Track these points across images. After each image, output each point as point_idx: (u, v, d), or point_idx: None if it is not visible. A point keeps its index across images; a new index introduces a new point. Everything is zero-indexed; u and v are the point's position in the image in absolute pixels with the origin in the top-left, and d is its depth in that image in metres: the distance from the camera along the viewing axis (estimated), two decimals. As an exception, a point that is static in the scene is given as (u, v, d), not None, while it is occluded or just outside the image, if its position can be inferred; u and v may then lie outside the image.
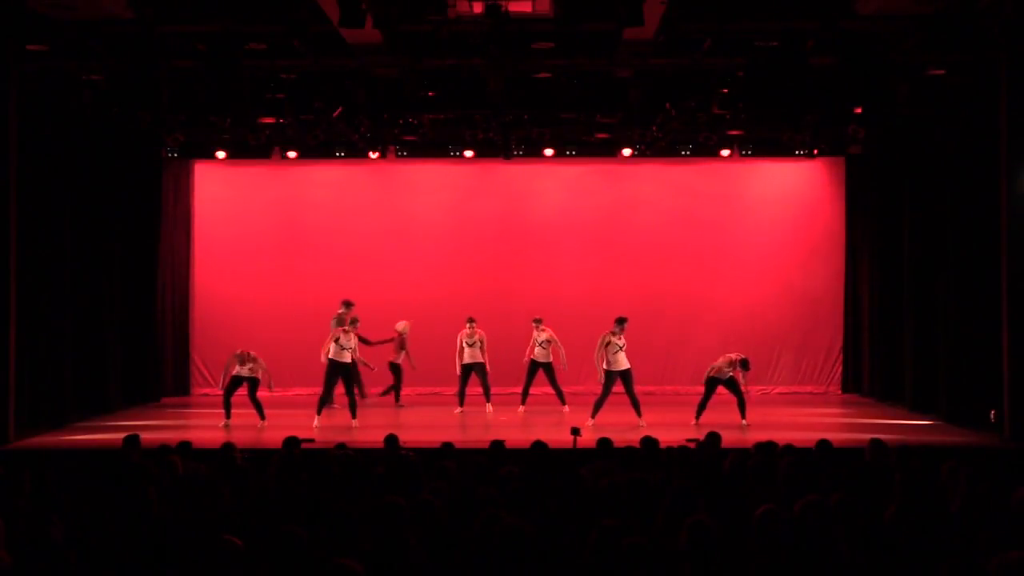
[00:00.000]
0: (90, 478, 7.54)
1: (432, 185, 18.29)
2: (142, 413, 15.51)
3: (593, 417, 13.68)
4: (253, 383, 13.97)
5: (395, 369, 16.11)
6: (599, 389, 14.15)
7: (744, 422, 13.58)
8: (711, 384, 14.01)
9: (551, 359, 15.23)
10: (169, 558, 5.21)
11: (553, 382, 15.24)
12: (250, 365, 13.93)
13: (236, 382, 14.01)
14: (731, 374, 13.94)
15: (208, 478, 7.42)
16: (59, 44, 12.08)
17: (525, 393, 15.27)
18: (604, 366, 13.87)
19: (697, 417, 13.78)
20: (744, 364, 13.93)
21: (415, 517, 5.46)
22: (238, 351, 14.05)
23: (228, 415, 13.87)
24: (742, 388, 13.94)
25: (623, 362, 13.85)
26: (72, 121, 14.38)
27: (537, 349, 15.24)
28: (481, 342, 15.18)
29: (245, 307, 17.55)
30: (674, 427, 13.01)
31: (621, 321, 13.93)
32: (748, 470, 7.62)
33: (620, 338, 13.87)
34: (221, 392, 14.12)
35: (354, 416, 13.78)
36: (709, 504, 5.85)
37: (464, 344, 15.24)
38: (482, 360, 15.16)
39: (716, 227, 18.14)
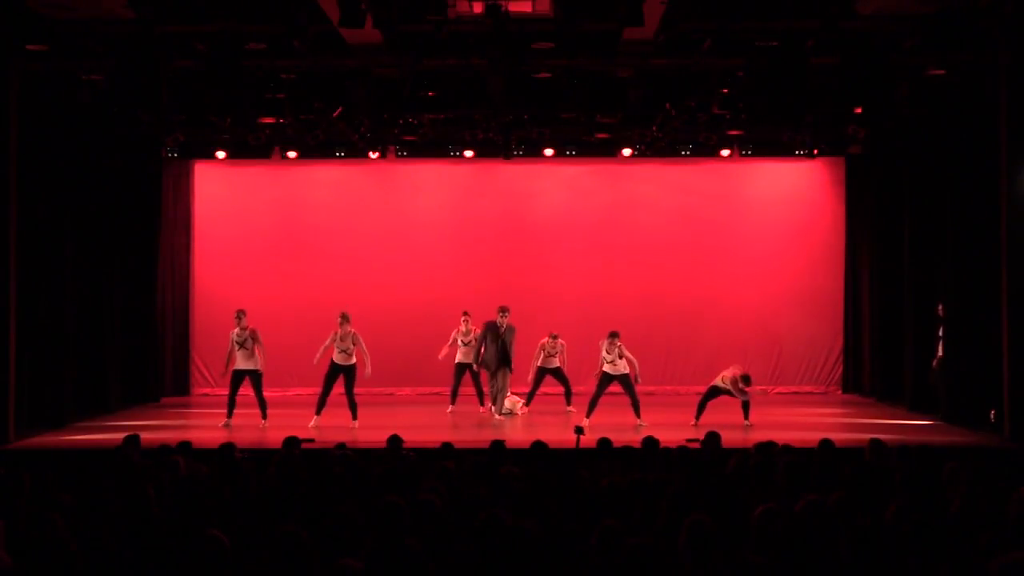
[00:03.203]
0: (90, 478, 7.53)
1: (432, 185, 18.30)
2: (142, 413, 15.51)
3: (588, 416, 13.74)
4: (256, 377, 13.93)
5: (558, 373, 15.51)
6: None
7: (747, 422, 13.58)
8: (713, 392, 14.05)
9: (557, 364, 15.29)
10: (169, 558, 5.21)
11: (564, 382, 15.31)
12: (248, 341, 13.88)
13: (238, 377, 13.98)
14: (732, 389, 13.98)
15: (208, 478, 7.43)
16: (59, 44, 12.08)
17: (531, 396, 15.33)
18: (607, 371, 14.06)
19: (697, 417, 13.78)
20: (746, 380, 13.94)
21: (415, 517, 5.47)
22: (236, 329, 13.98)
23: (230, 414, 13.85)
24: (748, 395, 13.96)
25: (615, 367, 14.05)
26: (72, 121, 14.37)
27: (546, 359, 15.24)
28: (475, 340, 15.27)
29: (245, 307, 17.48)
30: (674, 427, 13.02)
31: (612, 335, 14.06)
32: (748, 470, 7.62)
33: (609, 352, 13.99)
34: (226, 386, 14.08)
35: (354, 417, 13.78)
36: (709, 504, 5.84)
37: (459, 342, 15.34)
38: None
39: (716, 227, 18.14)
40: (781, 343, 17.99)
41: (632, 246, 18.09)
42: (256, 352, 13.98)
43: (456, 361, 15.42)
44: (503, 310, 14.92)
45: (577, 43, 12.20)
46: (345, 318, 14.02)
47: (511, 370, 14.93)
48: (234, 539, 4.84)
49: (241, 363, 13.94)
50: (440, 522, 5.63)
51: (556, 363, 15.27)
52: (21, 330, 12.70)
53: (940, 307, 14.54)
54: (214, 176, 18.24)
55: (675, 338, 17.71)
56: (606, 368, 14.04)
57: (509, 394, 15.12)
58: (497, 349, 14.81)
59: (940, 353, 14.49)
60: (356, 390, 14.09)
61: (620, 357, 14.01)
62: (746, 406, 13.78)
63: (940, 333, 14.57)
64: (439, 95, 13.61)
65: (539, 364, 15.26)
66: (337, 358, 13.97)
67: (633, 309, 17.39)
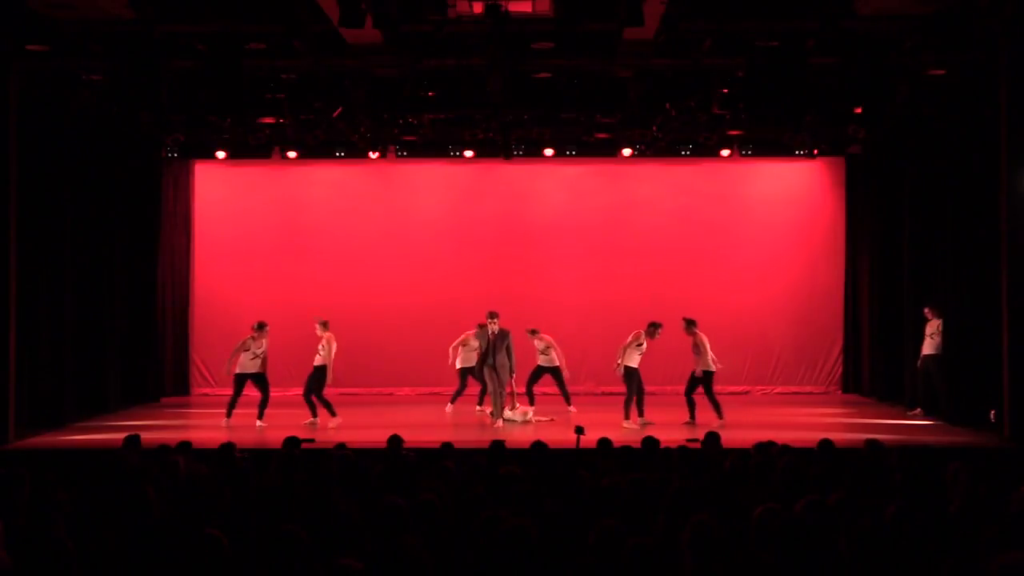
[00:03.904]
0: (90, 478, 7.53)
1: (432, 185, 18.30)
2: (142, 413, 15.50)
3: (627, 418, 13.65)
4: (261, 380, 13.98)
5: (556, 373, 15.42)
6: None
7: (721, 422, 13.48)
8: (694, 380, 13.99)
9: (555, 363, 15.20)
10: (169, 558, 5.21)
11: (560, 384, 15.20)
12: (256, 349, 13.93)
13: (244, 380, 14.02)
14: (708, 366, 13.85)
15: (208, 478, 7.42)
16: (59, 44, 12.08)
17: (529, 394, 15.27)
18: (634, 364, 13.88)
19: (692, 415, 13.70)
20: (689, 324, 14.00)
21: (415, 517, 5.46)
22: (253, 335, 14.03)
23: (229, 414, 13.87)
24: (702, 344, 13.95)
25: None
26: (72, 121, 14.37)
27: (540, 356, 15.22)
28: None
29: (245, 307, 17.53)
30: (674, 427, 13.02)
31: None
32: (748, 470, 7.62)
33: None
34: (230, 382, 14.13)
35: (333, 414, 13.83)
36: (709, 504, 5.84)
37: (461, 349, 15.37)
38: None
39: (716, 227, 18.14)
40: (781, 343, 18.00)
41: (632, 246, 18.09)
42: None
43: (459, 366, 15.43)
44: (491, 316, 14.22)
45: (577, 43, 12.20)
46: (324, 324, 14.23)
47: (512, 375, 14.32)
48: (234, 539, 4.84)
49: (249, 367, 13.99)
50: (440, 522, 5.63)
51: (548, 361, 15.11)
52: (21, 330, 12.70)
53: (926, 309, 14.63)
54: (214, 176, 18.24)
55: (675, 338, 17.66)
56: (631, 363, 13.90)
57: (517, 405, 14.61)
58: (489, 356, 14.13)
59: (928, 352, 14.54)
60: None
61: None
62: (716, 406, 13.72)
63: (926, 332, 14.64)
64: (439, 95, 13.62)
65: (538, 363, 15.24)
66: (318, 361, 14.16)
67: (632, 309, 17.34)
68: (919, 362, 14.66)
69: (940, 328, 14.39)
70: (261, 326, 14.10)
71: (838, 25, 11.23)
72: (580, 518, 5.86)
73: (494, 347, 14.15)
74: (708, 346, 14.05)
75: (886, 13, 11.10)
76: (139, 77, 11.64)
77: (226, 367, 14.18)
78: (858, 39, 11.52)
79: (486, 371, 14.25)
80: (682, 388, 14.45)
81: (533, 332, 15.28)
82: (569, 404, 15.10)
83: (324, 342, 14.09)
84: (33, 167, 13.21)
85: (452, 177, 18.22)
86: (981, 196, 13.11)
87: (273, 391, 14.44)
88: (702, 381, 14.00)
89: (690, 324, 14.11)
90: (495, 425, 13.80)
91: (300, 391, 14.58)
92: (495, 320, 14.27)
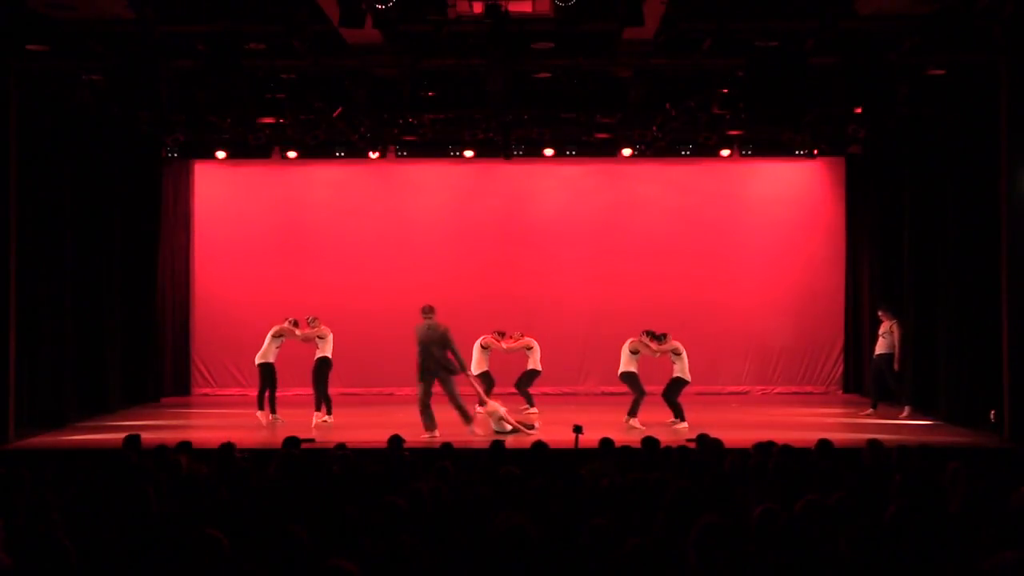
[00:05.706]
0: (90, 478, 7.53)
1: (432, 185, 18.30)
2: (142, 413, 15.51)
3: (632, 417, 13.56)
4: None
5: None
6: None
7: (675, 422, 13.47)
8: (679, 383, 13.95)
9: (534, 365, 15.15)
10: (168, 558, 5.21)
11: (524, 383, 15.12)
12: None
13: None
14: (685, 374, 13.83)
15: (208, 478, 7.43)
16: (59, 44, 12.08)
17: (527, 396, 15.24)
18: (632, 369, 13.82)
19: (681, 415, 13.66)
20: (662, 338, 13.95)
21: (414, 517, 5.47)
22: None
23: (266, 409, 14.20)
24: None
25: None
26: (72, 121, 14.37)
27: (530, 358, 15.16)
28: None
29: (245, 307, 17.56)
30: (672, 428, 13.02)
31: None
32: (748, 470, 7.62)
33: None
34: (234, 380, 14.35)
35: (320, 412, 14.03)
36: (709, 504, 5.84)
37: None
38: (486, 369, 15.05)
39: (716, 227, 18.15)
40: (781, 343, 17.99)
41: (632, 246, 18.09)
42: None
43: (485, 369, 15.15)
44: (424, 311, 12.81)
45: (577, 43, 12.19)
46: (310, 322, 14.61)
47: (453, 374, 12.84)
48: (234, 539, 4.84)
49: (272, 356, 14.42)
50: (439, 522, 5.63)
51: (535, 362, 15.06)
52: (21, 330, 12.70)
53: (879, 311, 15.22)
54: (214, 176, 18.25)
55: (674, 338, 17.66)
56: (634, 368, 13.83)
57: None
58: (422, 355, 12.77)
59: (881, 352, 14.92)
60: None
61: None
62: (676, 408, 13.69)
63: (879, 332, 15.06)
64: (439, 95, 13.63)
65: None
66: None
67: (632, 309, 17.38)
68: (896, 364, 14.78)
69: (892, 329, 14.81)
70: (296, 323, 14.50)
71: (838, 25, 11.22)
72: (580, 518, 5.86)
73: (426, 346, 12.69)
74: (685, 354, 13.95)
75: (886, 13, 11.10)
76: (139, 77, 11.62)
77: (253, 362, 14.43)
78: (858, 39, 11.52)
79: (448, 378, 12.80)
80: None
81: (501, 335, 15.26)
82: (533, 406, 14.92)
83: (318, 335, 14.29)
84: (33, 167, 13.21)
85: (452, 177, 18.23)
86: (981, 196, 13.11)
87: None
88: (675, 384, 13.86)
89: (661, 338, 13.96)
90: (469, 430, 12.81)
91: (300, 391, 14.63)
92: (428, 315, 12.78)
